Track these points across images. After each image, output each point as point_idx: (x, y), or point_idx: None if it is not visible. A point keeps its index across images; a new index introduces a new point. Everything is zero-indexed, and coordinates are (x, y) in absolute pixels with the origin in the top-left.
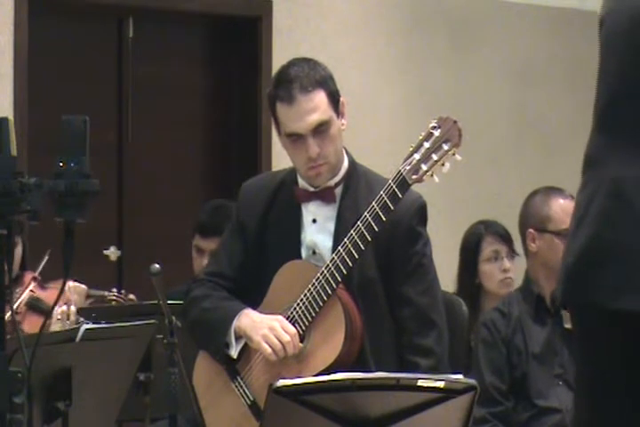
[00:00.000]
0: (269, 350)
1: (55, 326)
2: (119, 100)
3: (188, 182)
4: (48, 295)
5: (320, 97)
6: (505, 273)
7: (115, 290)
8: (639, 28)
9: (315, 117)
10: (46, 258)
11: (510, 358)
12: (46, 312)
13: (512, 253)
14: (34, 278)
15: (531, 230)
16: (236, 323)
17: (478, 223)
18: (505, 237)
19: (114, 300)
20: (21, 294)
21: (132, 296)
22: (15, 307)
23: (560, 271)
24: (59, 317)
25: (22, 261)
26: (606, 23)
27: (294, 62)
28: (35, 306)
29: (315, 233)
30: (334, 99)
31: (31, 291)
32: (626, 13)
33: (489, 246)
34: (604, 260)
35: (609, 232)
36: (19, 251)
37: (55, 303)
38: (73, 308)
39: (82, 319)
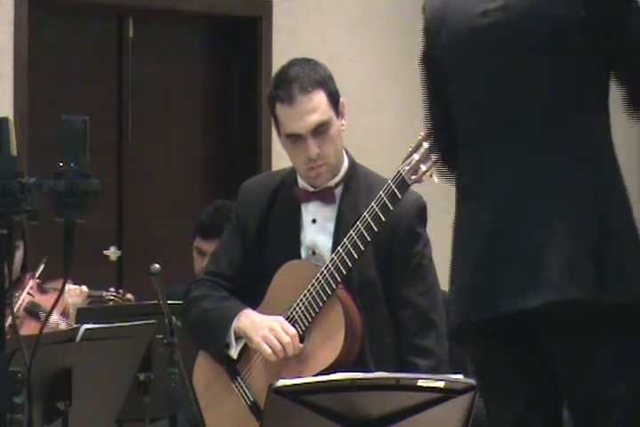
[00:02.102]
0: (269, 350)
1: None
2: (119, 100)
3: (188, 182)
4: (47, 300)
5: (320, 97)
6: None
7: (112, 289)
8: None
9: (314, 118)
10: (43, 266)
11: None
12: (44, 318)
13: None
14: (32, 278)
15: None
16: (235, 323)
17: None
18: None
19: (112, 299)
20: (20, 298)
21: (129, 296)
22: (14, 311)
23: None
24: (52, 326)
25: (23, 263)
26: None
27: (294, 62)
28: (33, 312)
29: (314, 233)
30: (334, 99)
31: (30, 294)
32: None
33: None
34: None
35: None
36: (20, 254)
37: (53, 307)
38: (62, 323)
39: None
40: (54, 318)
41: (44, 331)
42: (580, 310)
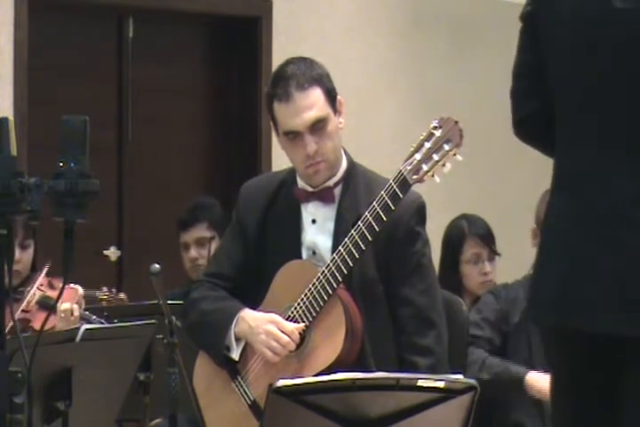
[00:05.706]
0: (271, 354)
1: (59, 324)
2: (119, 100)
3: (187, 183)
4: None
5: (316, 94)
6: (485, 276)
7: (105, 289)
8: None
9: (311, 114)
10: (47, 268)
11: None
12: (54, 308)
13: (493, 253)
14: (42, 276)
15: (535, 227)
16: (235, 329)
17: (461, 218)
18: (486, 239)
19: (105, 299)
20: (30, 293)
21: (122, 295)
22: (25, 305)
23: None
24: (62, 314)
25: (33, 263)
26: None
27: (291, 61)
28: (46, 304)
29: (314, 233)
30: (331, 96)
31: (40, 289)
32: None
33: (470, 249)
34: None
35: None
36: (30, 252)
37: (59, 297)
38: (76, 309)
39: (84, 320)
40: (67, 306)
41: (47, 327)
42: None
